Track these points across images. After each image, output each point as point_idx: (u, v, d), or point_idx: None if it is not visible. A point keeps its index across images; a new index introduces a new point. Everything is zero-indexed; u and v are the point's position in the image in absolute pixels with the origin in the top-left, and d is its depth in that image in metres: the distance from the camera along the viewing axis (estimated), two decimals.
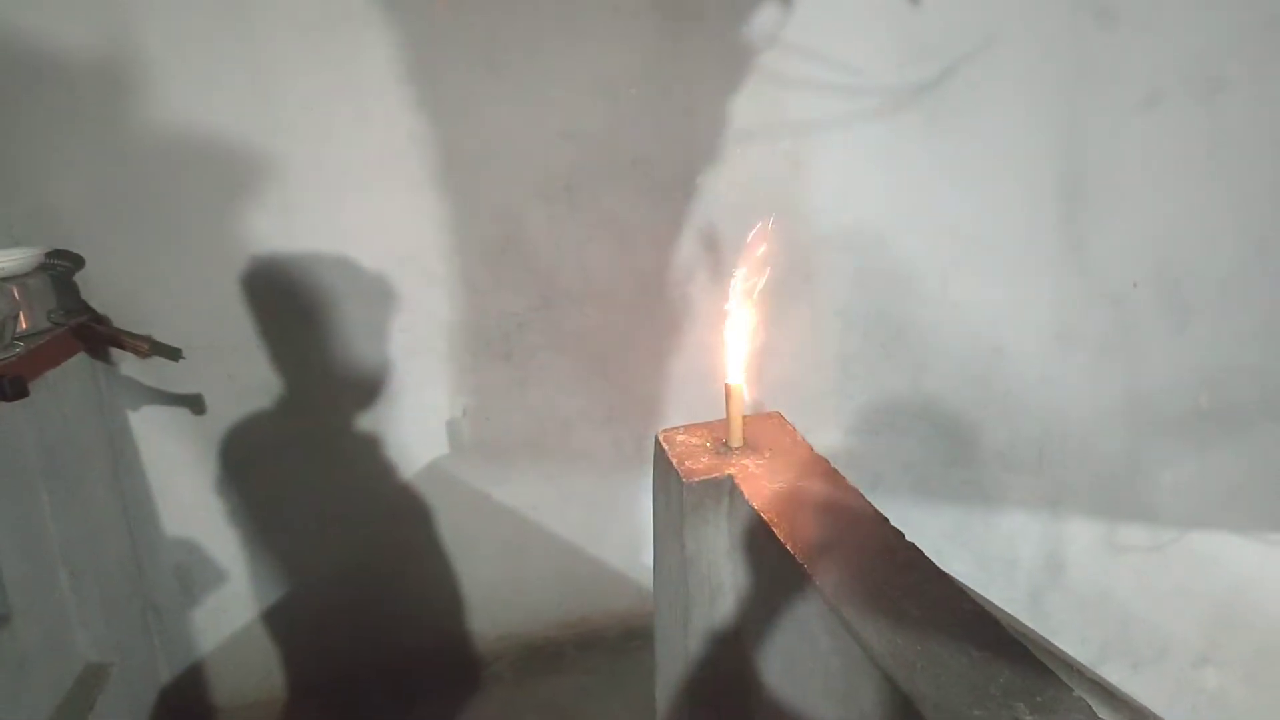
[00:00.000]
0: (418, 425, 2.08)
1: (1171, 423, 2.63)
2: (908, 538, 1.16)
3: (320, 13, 1.82)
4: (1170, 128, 2.39)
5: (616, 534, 2.28)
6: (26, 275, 1.69)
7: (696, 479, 1.35)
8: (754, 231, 1.47)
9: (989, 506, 2.55)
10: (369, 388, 2.03)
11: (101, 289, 1.86)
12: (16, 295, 1.65)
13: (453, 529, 2.17)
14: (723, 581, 1.40)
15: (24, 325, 1.66)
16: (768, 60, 2.10)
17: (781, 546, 1.17)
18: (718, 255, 2.14)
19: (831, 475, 1.35)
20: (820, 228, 2.21)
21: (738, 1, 2.03)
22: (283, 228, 1.89)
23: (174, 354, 1.85)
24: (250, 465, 2.00)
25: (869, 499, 1.27)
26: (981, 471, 2.53)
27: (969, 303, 2.38)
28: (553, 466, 2.20)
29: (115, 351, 1.89)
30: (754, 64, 2.10)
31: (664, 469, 1.47)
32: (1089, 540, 2.62)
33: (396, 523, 2.13)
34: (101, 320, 1.85)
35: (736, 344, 1.41)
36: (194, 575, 2.04)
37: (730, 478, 1.35)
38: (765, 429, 1.53)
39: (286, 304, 1.94)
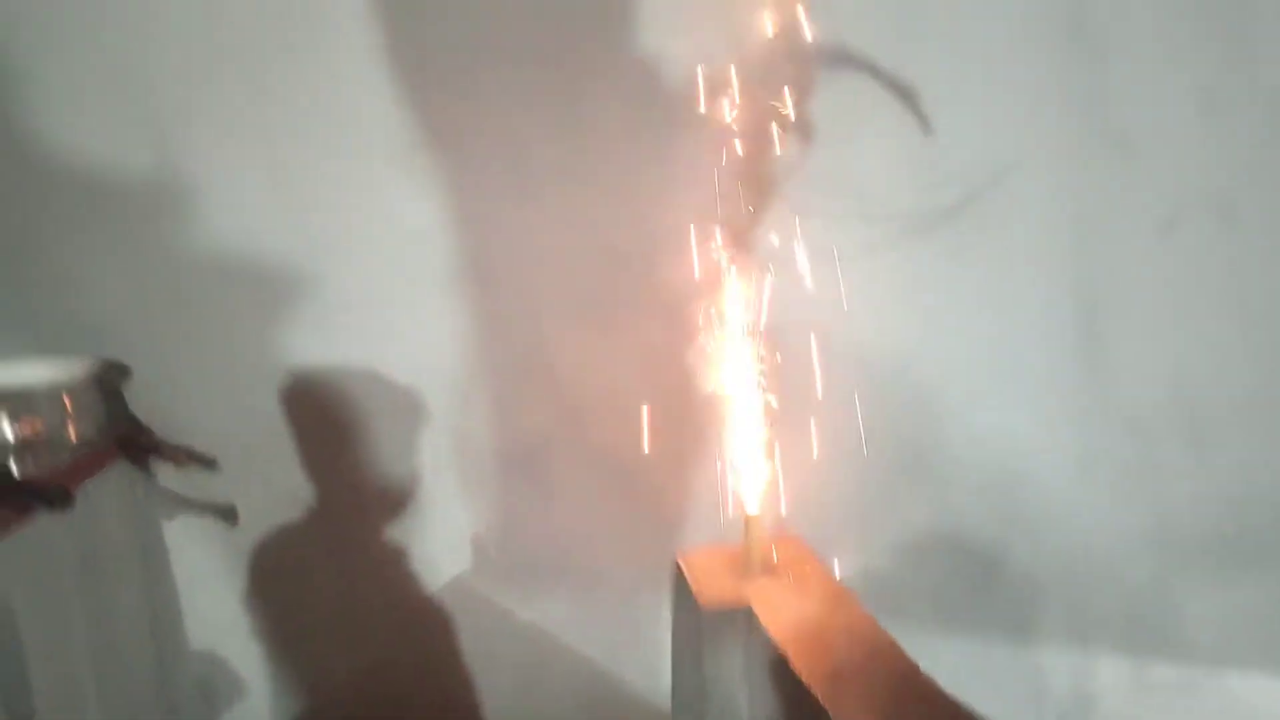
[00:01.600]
0: (443, 539, 2.11)
1: (1197, 552, 2.58)
2: (929, 668, 1.16)
3: (362, 142, 1.95)
4: (1187, 254, 2.42)
5: (637, 655, 2.26)
6: (78, 385, 1.76)
7: (715, 605, 1.37)
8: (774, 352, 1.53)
9: (1014, 637, 2.50)
10: (397, 501, 2.07)
11: (143, 399, 1.93)
12: (67, 404, 1.73)
13: (473, 645, 2.17)
14: (740, 711, 1.39)
15: (73, 437, 1.73)
16: (790, 189, 2.18)
17: (798, 679, 1.17)
18: (741, 377, 2.18)
19: (851, 603, 1.36)
20: (843, 351, 2.24)
21: (760, 137, 2.12)
22: (319, 341, 1.98)
23: (210, 464, 1.90)
24: (277, 577, 2.03)
25: (890, 626, 1.27)
26: (1006, 600, 2.49)
27: (991, 427, 2.39)
28: (575, 585, 2.20)
29: (153, 460, 1.95)
30: (777, 191, 2.18)
31: (683, 593, 1.48)
32: (1118, 675, 2.54)
33: (419, 638, 2.14)
34: (144, 430, 1.91)
35: (754, 469, 1.44)
36: (216, 687, 2.05)
37: (749, 605, 1.36)
38: (785, 553, 1.54)
39: (320, 416, 2.00)
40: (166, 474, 1.97)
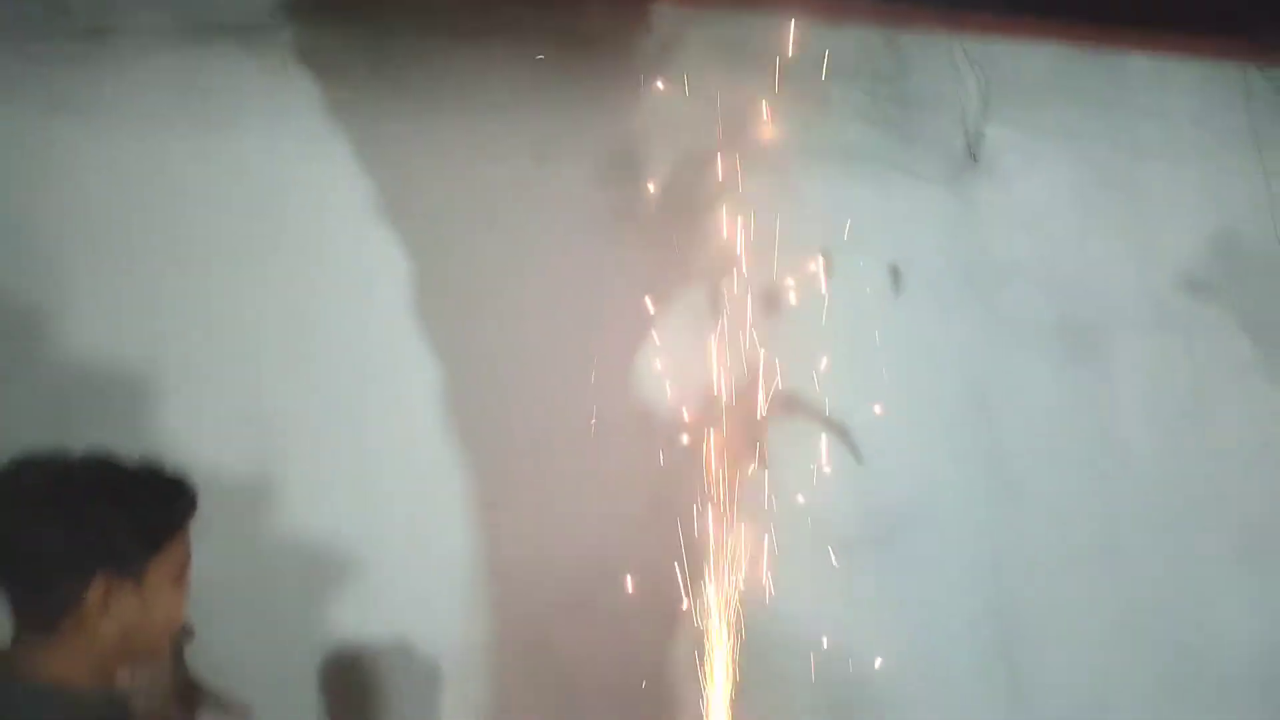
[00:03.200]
0: None
1: None
2: None
3: (420, 457, 2.47)
4: (1080, 581, 2.92)
5: None
6: None
7: None
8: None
9: None
10: None
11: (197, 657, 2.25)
12: None
13: None
14: None
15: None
16: (749, 505, 2.66)
17: None
18: (706, 660, 2.55)
19: None
20: (789, 644, 2.61)
21: (723, 464, 2.66)
22: (359, 615, 2.35)
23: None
24: None
25: None
26: None
27: None
28: None
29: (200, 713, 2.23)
30: (739, 506, 2.66)
31: None
32: None
33: None
34: (200, 685, 2.21)
35: None
36: None
37: None
38: None
39: (350, 684, 2.32)
40: None
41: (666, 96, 2.77)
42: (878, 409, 2.81)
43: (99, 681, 1.25)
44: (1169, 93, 3.26)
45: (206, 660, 2.24)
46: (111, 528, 1.22)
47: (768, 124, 2.85)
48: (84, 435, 2.25)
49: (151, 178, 2.45)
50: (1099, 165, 3.15)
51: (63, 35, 2.39)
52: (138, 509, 1.25)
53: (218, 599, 2.28)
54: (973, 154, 3.04)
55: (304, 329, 2.48)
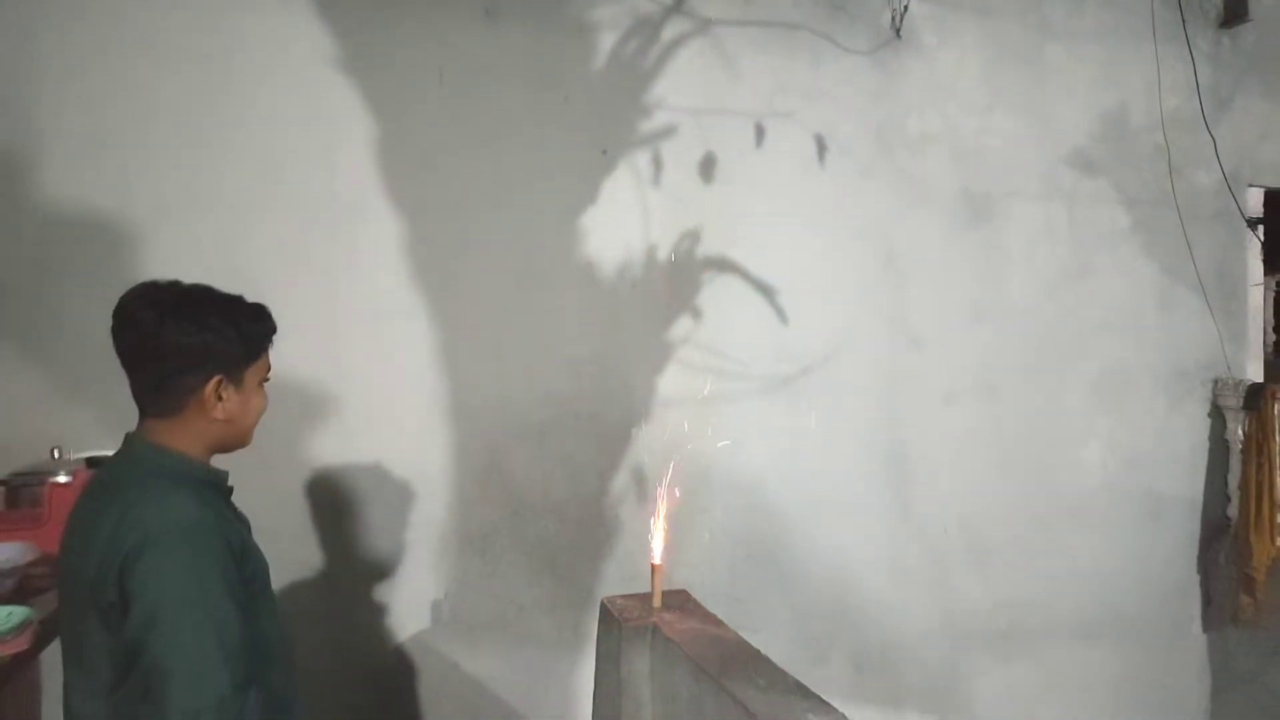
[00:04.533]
0: (411, 602, 2.72)
1: (980, 641, 3.43)
2: None
3: (386, 305, 2.71)
4: (963, 418, 3.37)
5: (554, 702, 2.88)
6: None
7: (631, 623, 2.08)
8: (669, 468, 2.29)
9: (845, 702, 3.20)
10: (380, 570, 2.69)
11: None
12: None
13: (428, 690, 2.75)
14: (644, 697, 2.08)
15: None
16: (683, 352, 3.02)
17: (688, 658, 1.89)
18: (643, 486, 2.94)
19: (718, 623, 2.09)
20: (717, 472, 3.04)
21: (660, 316, 2.97)
22: (338, 445, 2.63)
23: None
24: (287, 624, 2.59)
25: None
26: (839, 671, 3.24)
27: (825, 538, 3.19)
28: (509, 643, 2.83)
29: None
30: (674, 354, 3.01)
31: (607, 620, 2.18)
32: None
33: (387, 679, 2.71)
34: None
35: (659, 537, 2.19)
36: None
37: (653, 623, 2.08)
38: (676, 598, 2.26)
39: (332, 501, 2.63)
40: None
41: None
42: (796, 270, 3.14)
43: (205, 458, 1.57)
44: None
45: None
46: (225, 337, 1.51)
47: None
48: (63, 280, 2.46)
49: (114, 28, 2.52)
50: (1007, 42, 3.40)
51: None
52: (243, 324, 1.54)
53: None
54: (897, 29, 3.25)
55: (270, 178, 2.64)
